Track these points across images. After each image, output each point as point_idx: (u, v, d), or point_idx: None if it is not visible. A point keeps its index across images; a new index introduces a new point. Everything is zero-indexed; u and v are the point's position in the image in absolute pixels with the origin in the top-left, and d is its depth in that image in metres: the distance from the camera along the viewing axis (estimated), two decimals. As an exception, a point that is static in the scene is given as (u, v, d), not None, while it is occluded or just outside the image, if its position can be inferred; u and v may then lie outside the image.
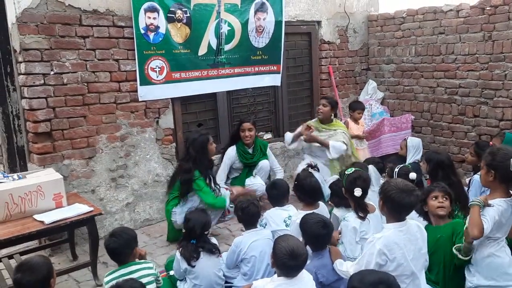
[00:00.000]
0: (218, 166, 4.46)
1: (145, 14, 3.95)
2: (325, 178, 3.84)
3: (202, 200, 3.68)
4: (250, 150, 4.47)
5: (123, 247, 2.48)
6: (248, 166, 4.48)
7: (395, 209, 2.32)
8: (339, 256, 2.61)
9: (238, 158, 4.42)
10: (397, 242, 2.25)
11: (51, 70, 3.58)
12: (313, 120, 4.69)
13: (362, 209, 2.92)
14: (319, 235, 2.57)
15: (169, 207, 3.80)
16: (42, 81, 3.56)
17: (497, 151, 2.47)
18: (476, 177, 3.70)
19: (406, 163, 4.03)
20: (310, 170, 3.33)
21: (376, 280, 1.94)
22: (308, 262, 2.29)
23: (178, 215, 3.69)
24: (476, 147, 3.88)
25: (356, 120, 5.11)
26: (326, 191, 3.35)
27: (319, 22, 5.52)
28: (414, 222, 2.44)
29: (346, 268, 2.44)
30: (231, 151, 4.42)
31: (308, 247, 2.50)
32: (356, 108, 5.15)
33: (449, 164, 3.57)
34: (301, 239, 2.55)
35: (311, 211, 2.91)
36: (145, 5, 3.94)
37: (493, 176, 2.43)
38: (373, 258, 2.24)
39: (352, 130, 4.97)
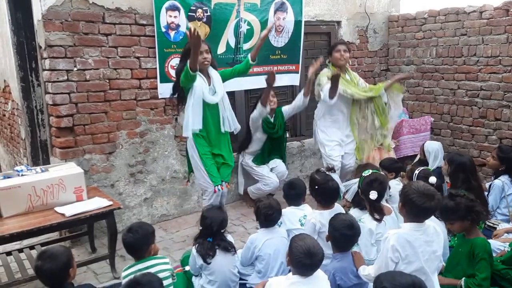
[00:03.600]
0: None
1: (166, 12, 4.01)
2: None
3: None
4: (271, 120, 4.40)
5: (140, 243, 2.51)
6: (269, 139, 4.45)
7: (414, 212, 2.31)
8: (363, 261, 2.60)
9: (262, 126, 4.36)
10: (411, 241, 2.25)
11: (74, 67, 3.66)
12: (326, 70, 4.37)
13: (378, 212, 2.92)
14: (346, 235, 2.56)
15: None
16: (66, 77, 3.64)
17: None
18: (497, 182, 3.66)
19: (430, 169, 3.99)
20: (328, 172, 3.31)
21: (409, 283, 1.87)
22: (327, 262, 2.29)
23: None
24: (499, 151, 3.82)
25: None
26: (342, 190, 3.34)
27: (339, 22, 5.49)
28: (432, 224, 2.43)
29: (368, 271, 2.44)
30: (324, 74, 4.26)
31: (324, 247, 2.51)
32: None
33: (471, 167, 3.53)
34: (316, 237, 2.56)
35: (333, 213, 2.91)
36: (167, 4, 3.99)
37: None
38: (387, 254, 2.24)
39: None
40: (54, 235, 3.71)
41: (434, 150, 4.15)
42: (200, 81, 3.47)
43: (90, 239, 3.71)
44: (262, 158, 4.52)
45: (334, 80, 4.04)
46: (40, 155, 4.91)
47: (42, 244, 3.45)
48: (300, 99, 4.39)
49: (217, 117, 3.63)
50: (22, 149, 5.22)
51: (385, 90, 4.43)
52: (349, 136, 4.50)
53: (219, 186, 3.58)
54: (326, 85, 4.15)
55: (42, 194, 3.09)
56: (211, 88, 3.55)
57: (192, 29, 3.18)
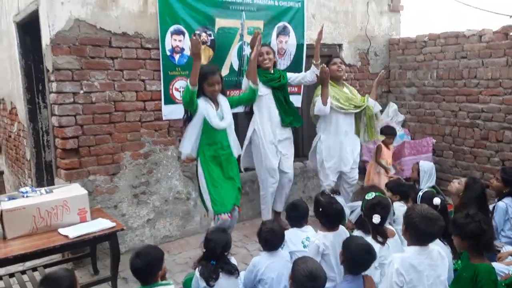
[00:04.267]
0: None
1: (171, 36, 4.10)
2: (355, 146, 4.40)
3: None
4: (271, 72, 4.31)
5: (149, 269, 2.45)
6: (273, 88, 4.27)
7: (417, 236, 2.32)
8: (374, 286, 2.58)
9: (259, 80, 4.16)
10: (415, 265, 2.25)
11: (81, 89, 3.73)
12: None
13: (381, 234, 2.92)
14: (362, 259, 2.54)
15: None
16: (72, 100, 3.70)
17: None
18: (501, 204, 3.65)
19: (420, 188, 3.99)
20: (332, 195, 3.32)
21: None
22: (330, 285, 2.27)
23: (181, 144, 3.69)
24: (503, 173, 3.82)
25: (387, 145, 5.10)
26: (347, 212, 3.34)
27: (340, 45, 5.59)
28: (436, 247, 2.43)
29: None
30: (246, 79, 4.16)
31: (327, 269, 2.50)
32: (388, 133, 5.12)
33: (485, 196, 3.52)
34: (319, 259, 2.55)
35: (338, 235, 2.91)
36: (172, 28, 4.09)
37: None
38: (392, 279, 2.24)
39: (384, 155, 4.99)
40: (57, 257, 3.71)
41: (428, 170, 4.16)
42: (205, 106, 3.52)
43: (92, 261, 3.70)
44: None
45: (322, 77, 4.14)
46: (44, 176, 4.96)
47: (45, 266, 3.45)
48: (311, 72, 4.31)
49: (226, 142, 3.68)
50: (27, 170, 5.26)
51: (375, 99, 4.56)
52: (354, 150, 4.53)
53: (221, 215, 3.54)
54: (318, 97, 4.29)
55: (47, 215, 3.11)
56: (218, 113, 3.60)
57: (194, 41, 3.32)
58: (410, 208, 2.50)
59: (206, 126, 3.54)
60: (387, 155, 5.01)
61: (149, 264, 2.44)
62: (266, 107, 4.27)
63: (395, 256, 2.31)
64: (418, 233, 2.31)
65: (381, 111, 6.00)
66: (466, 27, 5.27)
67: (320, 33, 4.23)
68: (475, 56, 5.11)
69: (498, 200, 3.71)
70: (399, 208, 3.58)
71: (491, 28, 5.00)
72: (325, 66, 4.20)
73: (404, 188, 3.89)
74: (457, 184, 3.64)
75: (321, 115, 4.45)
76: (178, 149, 3.69)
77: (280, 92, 4.33)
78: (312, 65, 4.30)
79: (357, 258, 2.52)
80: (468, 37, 5.17)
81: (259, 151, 4.30)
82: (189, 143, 3.60)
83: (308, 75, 4.37)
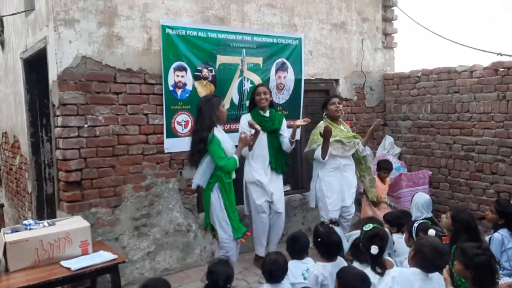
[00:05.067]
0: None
1: (174, 72, 4.25)
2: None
3: (216, 163, 3.70)
4: (266, 114, 4.40)
5: None
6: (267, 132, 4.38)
7: (423, 263, 2.43)
8: None
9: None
10: (412, 281, 2.31)
11: (85, 123, 3.84)
12: (322, 123, 4.57)
13: (379, 265, 2.95)
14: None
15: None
16: (77, 133, 3.80)
17: None
18: (496, 235, 3.68)
19: (428, 222, 4.02)
20: (331, 225, 3.37)
21: None
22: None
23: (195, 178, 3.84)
24: (497, 205, 3.87)
25: (382, 180, 5.16)
26: (345, 245, 3.38)
27: (336, 80, 5.77)
28: (436, 273, 2.50)
29: None
30: (245, 118, 4.35)
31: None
32: (383, 167, 5.21)
33: (475, 225, 3.57)
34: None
35: (336, 265, 2.95)
36: (175, 65, 4.25)
37: None
38: (387, 285, 2.30)
39: (378, 189, 5.04)
40: (57, 290, 3.69)
41: (419, 203, 4.14)
42: (223, 138, 3.79)
43: (92, 294, 3.69)
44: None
45: (325, 135, 4.21)
46: (45, 208, 4.99)
47: (46, 299, 3.43)
48: (286, 144, 4.43)
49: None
50: (28, 203, 5.29)
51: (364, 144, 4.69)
52: (350, 186, 4.59)
53: (241, 239, 3.81)
54: (318, 146, 4.36)
55: (49, 248, 3.13)
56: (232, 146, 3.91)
57: (243, 139, 3.85)
58: (422, 236, 2.59)
59: None
60: (381, 189, 5.05)
61: None
62: (260, 148, 4.35)
63: (395, 268, 2.39)
64: (425, 261, 2.43)
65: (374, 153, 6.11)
66: (457, 62, 5.47)
67: (300, 122, 4.47)
68: (467, 91, 5.28)
69: (494, 232, 3.75)
70: (398, 240, 3.63)
71: (481, 64, 5.19)
72: (329, 126, 4.29)
73: (401, 220, 3.93)
74: (445, 219, 3.69)
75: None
76: (192, 181, 3.87)
77: (274, 136, 4.45)
78: (288, 140, 4.42)
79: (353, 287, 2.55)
80: (460, 72, 5.36)
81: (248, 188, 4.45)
82: (204, 176, 3.77)
83: (285, 145, 4.46)
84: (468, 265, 2.65)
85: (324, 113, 4.65)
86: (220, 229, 3.78)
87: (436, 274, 2.65)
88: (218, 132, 3.81)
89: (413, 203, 4.23)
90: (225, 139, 3.82)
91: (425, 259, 2.41)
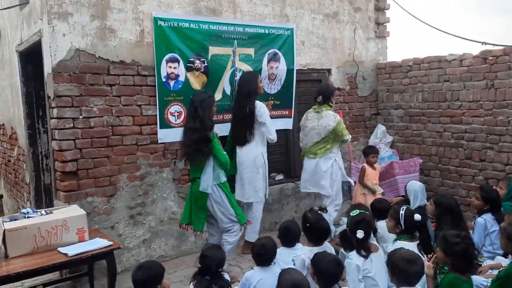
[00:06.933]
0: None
1: (166, 64, 4.33)
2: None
3: (219, 159, 3.85)
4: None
5: (149, 281, 2.59)
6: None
7: (403, 278, 2.53)
8: None
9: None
10: None
11: (80, 115, 3.92)
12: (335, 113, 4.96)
13: (364, 249, 3.07)
14: (333, 273, 2.69)
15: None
16: (72, 125, 3.89)
17: None
18: (479, 220, 3.80)
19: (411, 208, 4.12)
20: (320, 212, 3.46)
21: None
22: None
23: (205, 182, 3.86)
24: (482, 191, 3.98)
25: (372, 165, 5.27)
26: (332, 229, 3.48)
27: (329, 70, 5.84)
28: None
29: None
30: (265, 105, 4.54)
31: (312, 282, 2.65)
32: (370, 152, 5.30)
33: (458, 209, 3.68)
34: (305, 273, 2.69)
35: (322, 250, 3.06)
36: (167, 56, 4.32)
37: None
38: None
39: (369, 175, 5.13)
40: (55, 276, 3.82)
41: (414, 191, 4.20)
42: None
43: (90, 280, 3.80)
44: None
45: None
46: (43, 198, 5.10)
47: (44, 285, 3.57)
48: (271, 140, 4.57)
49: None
50: (26, 193, 5.41)
51: None
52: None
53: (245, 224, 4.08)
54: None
55: (47, 235, 3.24)
56: None
57: None
58: (390, 255, 2.69)
59: None
60: (372, 175, 5.15)
61: (149, 277, 2.59)
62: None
63: None
64: (404, 274, 2.52)
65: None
66: (448, 51, 5.55)
67: None
68: (457, 80, 5.35)
69: (478, 217, 3.86)
70: (384, 226, 3.73)
71: (471, 53, 5.26)
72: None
73: (384, 204, 4.04)
74: (429, 205, 3.80)
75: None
76: (200, 189, 3.85)
77: None
78: None
79: (328, 272, 2.67)
80: (450, 61, 5.43)
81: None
82: (210, 181, 3.88)
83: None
84: (448, 252, 2.78)
85: (330, 101, 4.94)
86: (227, 220, 3.96)
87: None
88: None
89: (410, 191, 4.27)
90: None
91: (403, 273, 2.52)
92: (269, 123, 4.48)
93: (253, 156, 4.42)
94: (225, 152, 3.94)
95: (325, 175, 4.82)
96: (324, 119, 4.78)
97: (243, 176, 4.45)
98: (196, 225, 3.96)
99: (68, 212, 3.49)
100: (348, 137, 4.87)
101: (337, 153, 4.91)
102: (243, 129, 4.41)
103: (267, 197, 4.69)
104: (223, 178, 3.97)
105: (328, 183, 4.82)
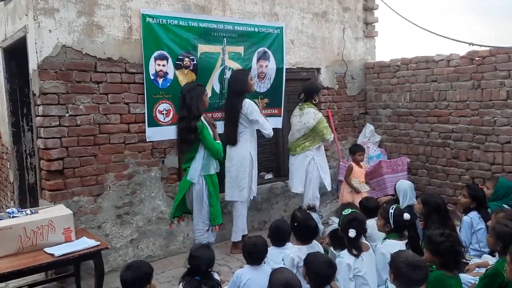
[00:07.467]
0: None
1: (155, 61, 4.27)
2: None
3: (210, 148, 3.84)
4: None
5: (137, 281, 2.55)
6: None
7: (406, 284, 2.46)
8: None
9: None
10: None
11: (66, 113, 3.85)
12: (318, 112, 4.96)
13: (356, 248, 3.08)
14: (326, 274, 2.67)
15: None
16: (58, 123, 3.81)
17: None
18: (466, 218, 3.84)
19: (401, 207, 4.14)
20: (308, 211, 3.45)
21: None
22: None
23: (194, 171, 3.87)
24: (469, 189, 4.03)
25: (358, 163, 5.28)
26: (321, 228, 3.47)
27: (318, 69, 5.84)
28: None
29: None
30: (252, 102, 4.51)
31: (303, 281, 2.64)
32: (357, 150, 5.29)
33: (445, 208, 3.71)
34: (294, 271, 2.67)
35: (311, 248, 3.06)
36: (155, 54, 4.27)
37: None
38: None
39: (356, 173, 5.13)
40: (41, 277, 3.74)
41: (403, 190, 4.21)
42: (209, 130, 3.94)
43: (76, 280, 3.73)
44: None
45: None
46: (27, 198, 5.00)
47: (30, 286, 3.49)
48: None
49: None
50: (10, 193, 5.29)
51: None
52: None
53: (216, 226, 4.00)
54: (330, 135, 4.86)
55: (32, 235, 3.17)
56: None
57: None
58: (395, 256, 2.59)
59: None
60: (359, 173, 5.15)
61: (137, 277, 2.56)
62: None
63: None
64: (406, 279, 2.44)
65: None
66: (435, 51, 5.60)
67: None
68: (444, 80, 5.40)
69: (465, 215, 3.90)
70: (374, 225, 3.74)
71: (458, 53, 5.32)
72: None
73: (373, 203, 4.06)
74: (417, 204, 3.83)
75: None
76: (188, 178, 3.88)
77: None
78: None
79: (321, 273, 2.65)
80: (438, 61, 5.48)
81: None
82: (198, 170, 3.88)
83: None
84: (435, 252, 2.80)
85: (313, 99, 4.91)
86: (197, 218, 3.92)
87: None
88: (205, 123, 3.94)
89: (399, 190, 4.28)
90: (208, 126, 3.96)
91: (406, 278, 2.42)
92: (262, 119, 4.47)
93: (241, 155, 4.42)
94: (218, 141, 3.91)
95: (297, 173, 4.86)
96: (305, 116, 4.81)
97: (230, 174, 4.47)
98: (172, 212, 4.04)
99: (54, 212, 3.42)
100: (329, 136, 4.84)
101: (316, 152, 4.88)
102: (233, 127, 4.41)
103: (252, 197, 4.68)
104: (212, 170, 3.93)
105: (299, 181, 4.85)
